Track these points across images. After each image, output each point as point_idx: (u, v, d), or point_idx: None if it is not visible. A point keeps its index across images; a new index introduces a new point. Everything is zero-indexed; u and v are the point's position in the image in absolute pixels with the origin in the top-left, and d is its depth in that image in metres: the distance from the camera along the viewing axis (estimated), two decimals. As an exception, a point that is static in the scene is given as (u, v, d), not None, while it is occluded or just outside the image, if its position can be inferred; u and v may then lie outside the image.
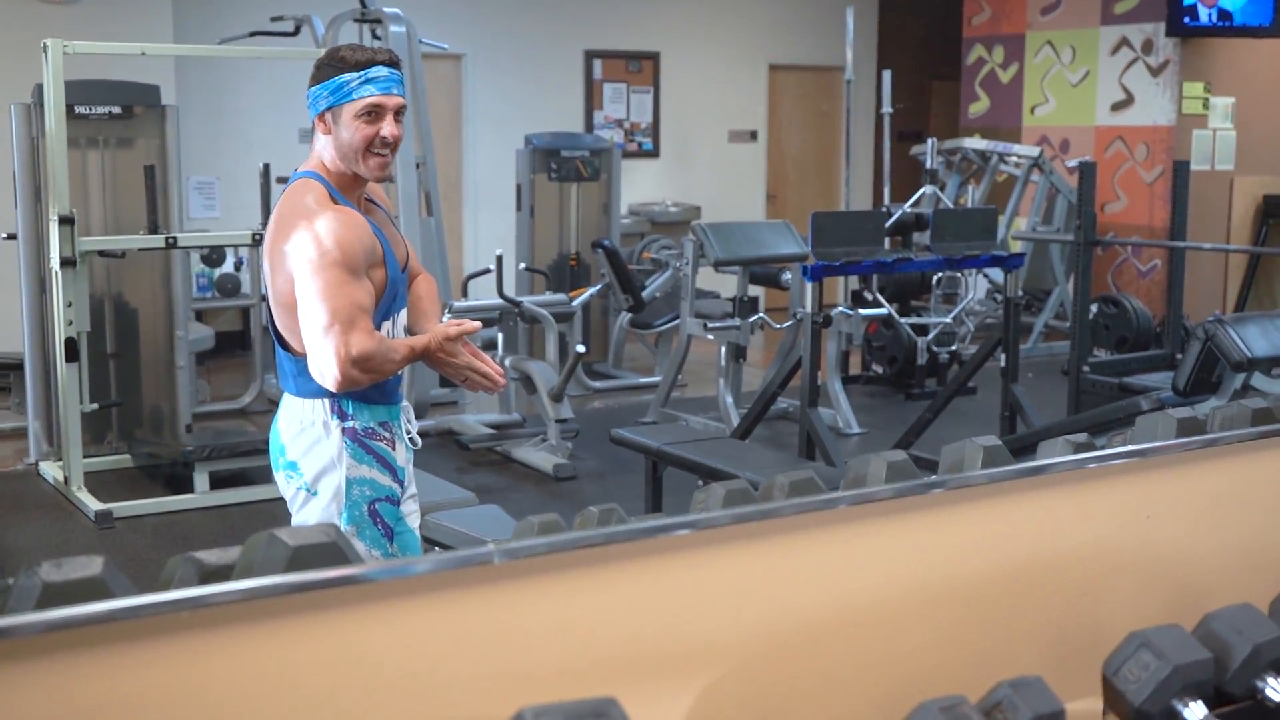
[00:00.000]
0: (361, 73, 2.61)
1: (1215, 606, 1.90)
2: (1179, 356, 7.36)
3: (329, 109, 2.63)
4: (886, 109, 8.32)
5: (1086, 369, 6.76)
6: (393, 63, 2.67)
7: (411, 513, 2.87)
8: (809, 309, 5.35)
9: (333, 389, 2.58)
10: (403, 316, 2.78)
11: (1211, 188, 9.54)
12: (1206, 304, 9.50)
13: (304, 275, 2.55)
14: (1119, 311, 8.71)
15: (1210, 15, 9.25)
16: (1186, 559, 1.87)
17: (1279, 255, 9.79)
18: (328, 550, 1.52)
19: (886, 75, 8.37)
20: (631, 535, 1.47)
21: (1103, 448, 2.19)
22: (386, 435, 2.72)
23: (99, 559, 1.44)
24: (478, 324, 2.76)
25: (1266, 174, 9.91)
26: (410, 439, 2.84)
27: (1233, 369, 4.42)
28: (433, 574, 1.36)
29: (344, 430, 2.69)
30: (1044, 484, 1.78)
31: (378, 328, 2.65)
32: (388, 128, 2.62)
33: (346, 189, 2.68)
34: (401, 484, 2.78)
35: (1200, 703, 1.39)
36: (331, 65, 2.65)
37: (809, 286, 5.32)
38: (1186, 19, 9.27)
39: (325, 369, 2.55)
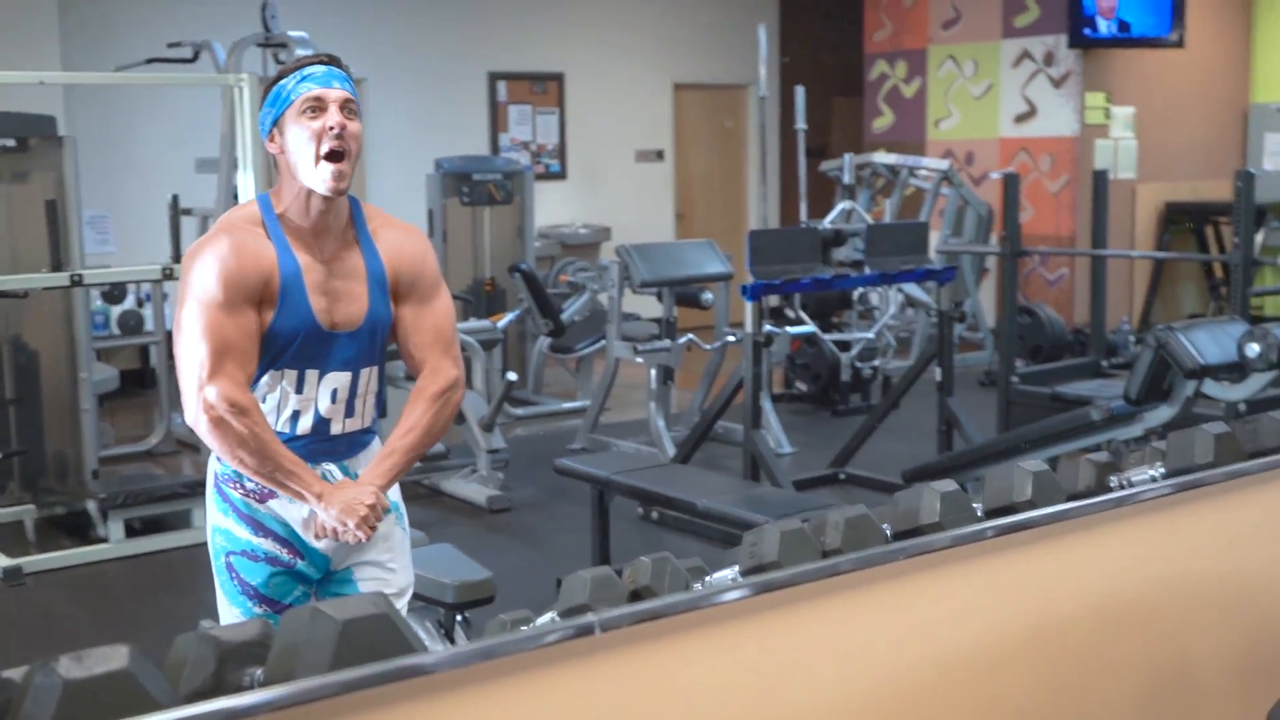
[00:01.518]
0: (296, 73, 2.45)
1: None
2: (1104, 364, 7.42)
3: (274, 124, 2.45)
4: (801, 125, 8.29)
5: (1015, 379, 6.74)
6: (332, 61, 2.49)
7: (364, 579, 2.57)
8: (750, 329, 5.24)
9: (190, 424, 2.39)
10: (328, 381, 2.49)
11: (1115, 196, 9.64)
12: (1113, 311, 9.60)
13: (180, 304, 2.41)
14: (1033, 321, 8.76)
15: (1110, 27, 9.38)
16: (1267, 584, 1.77)
17: (1192, 261, 9.94)
18: (379, 626, 1.34)
19: (800, 92, 8.33)
20: (751, 590, 1.33)
21: (1132, 472, 2.08)
22: (249, 487, 2.48)
23: (123, 650, 1.25)
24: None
25: (1167, 181, 10.07)
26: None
27: (1186, 376, 4.40)
28: (534, 650, 1.20)
29: (213, 473, 2.54)
30: (1121, 516, 1.67)
31: (260, 375, 2.45)
32: (334, 117, 2.41)
33: (299, 221, 2.44)
34: (285, 543, 2.52)
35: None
36: (271, 83, 2.49)
37: (749, 306, 5.20)
38: (1087, 30, 9.38)
39: (185, 403, 2.38)
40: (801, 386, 8.18)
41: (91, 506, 5.57)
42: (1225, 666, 1.66)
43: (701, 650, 1.38)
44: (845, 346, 7.88)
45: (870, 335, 7.91)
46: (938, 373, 6.03)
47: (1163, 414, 4.54)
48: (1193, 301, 10.48)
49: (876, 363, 8.05)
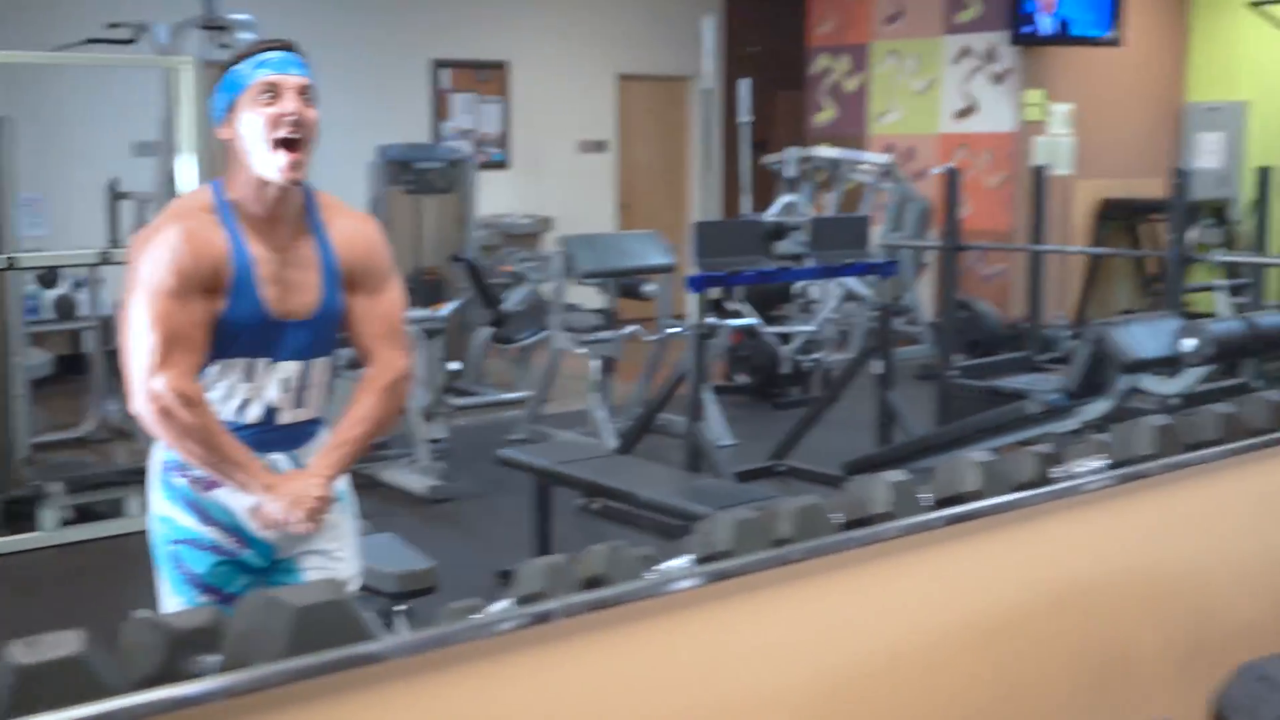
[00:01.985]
0: (252, 58, 2.40)
1: (1231, 621, 1.84)
2: (1040, 359, 7.52)
3: (228, 109, 2.40)
4: (746, 118, 8.31)
5: (954, 373, 6.82)
6: (288, 46, 2.44)
7: (310, 569, 2.55)
8: (695, 320, 5.25)
9: (135, 414, 2.37)
10: (279, 371, 2.46)
11: (1052, 193, 9.76)
12: (1049, 306, 9.72)
13: (129, 291, 2.36)
14: (971, 315, 8.86)
15: (1050, 25, 9.49)
16: (1205, 573, 1.81)
17: (1133, 257, 10.08)
18: (334, 613, 1.34)
19: (745, 85, 8.36)
20: (695, 580, 1.33)
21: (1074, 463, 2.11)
22: (194, 475, 2.45)
23: (75, 635, 1.23)
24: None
25: (1104, 178, 10.21)
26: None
27: (1123, 371, 4.47)
28: (492, 637, 1.20)
29: (158, 461, 2.51)
30: (1067, 507, 1.69)
31: (210, 364, 2.42)
32: (290, 104, 2.36)
33: (253, 210, 2.40)
34: (231, 532, 2.49)
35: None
36: (225, 67, 2.44)
37: (694, 297, 5.22)
38: (1027, 28, 9.49)
39: (131, 392, 2.35)
40: (742, 379, 8.22)
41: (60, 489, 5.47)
42: (1165, 653, 1.69)
43: (656, 638, 1.39)
44: (787, 339, 7.92)
45: (812, 328, 7.96)
46: (878, 366, 6.08)
47: (1099, 407, 4.60)
48: (1127, 297, 10.63)
49: (817, 356, 8.10)
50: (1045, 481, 1.95)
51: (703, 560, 1.67)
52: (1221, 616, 1.80)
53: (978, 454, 1.93)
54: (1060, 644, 1.67)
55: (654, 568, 1.71)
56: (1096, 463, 2.06)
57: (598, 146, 11.16)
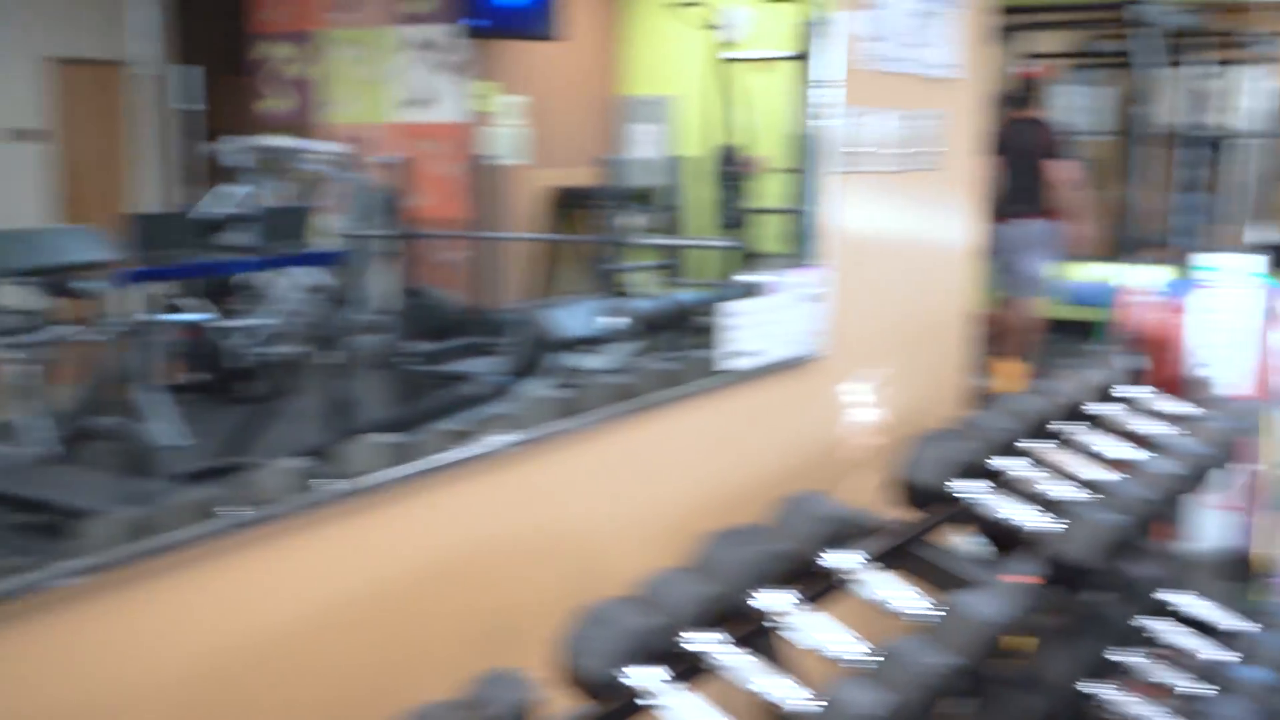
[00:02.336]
0: None
1: (618, 569, 1.99)
2: (492, 342, 7.77)
3: None
4: (187, 105, 8.01)
5: (408, 359, 6.93)
6: None
7: None
8: (133, 317, 5.02)
9: None
10: None
11: (508, 182, 10.10)
12: (511, 291, 10.05)
13: None
14: (430, 302, 8.99)
15: (496, 19, 9.78)
16: (586, 529, 1.94)
17: (578, 242, 10.57)
18: None
19: (189, 71, 8.05)
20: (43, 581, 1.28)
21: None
22: None
23: None
24: None
25: (557, 167, 10.65)
26: None
27: (551, 350, 4.71)
28: None
29: None
30: (459, 477, 1.77)
31: None
32: None
33: None
34: None
35: (655, 666, 1.44)
36: None
37: (129, 293, 4.98)
38: (478, 20, 9.72)
39: None
40: (198, 376, 7.92)
41: None
42: (555, 606, 1.81)
43: (28, 642, 1.33)
44: (240, 333, 7.71)
45: (265, 321, 7.79)
46: (332, 356, 6.07)
47: (536, 386, 4.83)
48: (577, 280, 11.17)
49: (273, 349, 7.94)
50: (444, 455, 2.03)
51: (81, 560, 1.62)
52: (610, 565, 1.94)
53: (376, 435, 1.99)
54: (457, 606, 1.75)
55: (23, 575, 1.64)
56: (503, 435, 2.17)
57: (29, 136, 10.35)
